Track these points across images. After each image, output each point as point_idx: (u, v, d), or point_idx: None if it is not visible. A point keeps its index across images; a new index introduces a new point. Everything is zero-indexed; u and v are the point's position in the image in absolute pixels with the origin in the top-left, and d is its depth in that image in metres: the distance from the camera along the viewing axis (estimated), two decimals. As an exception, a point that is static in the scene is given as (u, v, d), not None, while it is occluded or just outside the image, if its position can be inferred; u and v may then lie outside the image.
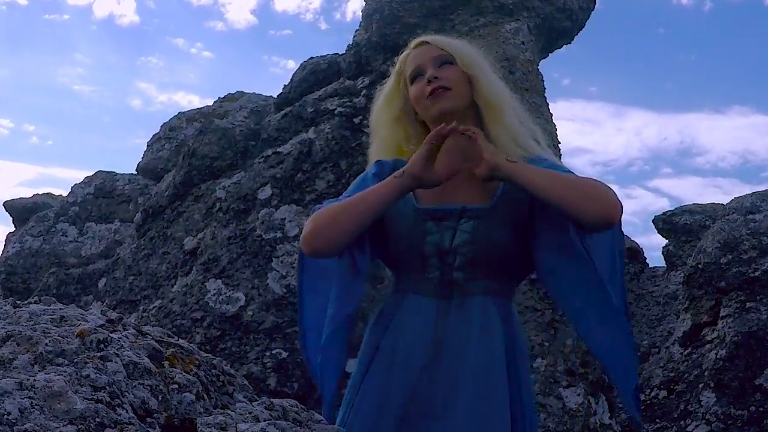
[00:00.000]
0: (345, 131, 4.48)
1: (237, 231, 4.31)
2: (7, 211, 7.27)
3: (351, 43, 4.95)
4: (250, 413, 1.07)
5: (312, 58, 5.21)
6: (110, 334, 1.07)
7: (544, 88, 4.75)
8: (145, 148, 6.91)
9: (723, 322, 4.25)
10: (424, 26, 4.55)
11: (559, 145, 4.67)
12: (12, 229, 7.19)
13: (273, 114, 5.07)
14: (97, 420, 0.90)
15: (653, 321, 5.58)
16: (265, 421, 1.05)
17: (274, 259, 4.17)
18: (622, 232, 1.83)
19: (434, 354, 1.72)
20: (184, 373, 1.09)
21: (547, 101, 4.76)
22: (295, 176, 4.37)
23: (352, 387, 1.81)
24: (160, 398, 1.01)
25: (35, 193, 7.57)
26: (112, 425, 0.91)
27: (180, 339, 1.22)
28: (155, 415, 0.99)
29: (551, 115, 4.73)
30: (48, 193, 7.60)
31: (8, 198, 7.46)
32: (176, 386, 1.05)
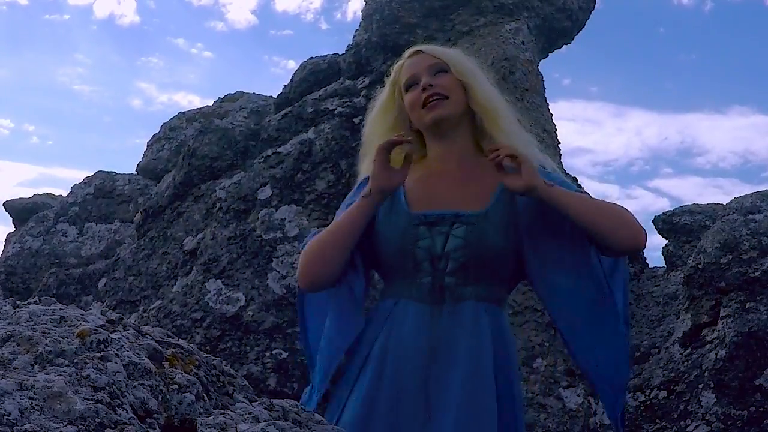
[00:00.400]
0: (345, 131, 4.48)
1: (237, 231, 4.31)
2: (7, 211, 7.27)
3: (351, 43, 4.96)
4: (250, 413, 1.07)
5: (312, 58, 5.21)
6: (110, 335, 1.07)
7: (544, 88, 4.76)
8: (145, 148, 6.91)
9: (723, 323, 4.25)
10: (424, 26, 4.55)
11: (559, 145, 4.67)
12: (12, 229, 7.18)
13: (273, 114, 5.07)
14: (97, 420, 0.90)
15: (653, 321, 5.58)
16: (265, 421, 1.05)
17: (274, 259, 4.17)
18: (626, 259, 1.84)
19: (428, 359, 1.72)
20: (184, 374, 1.09)
21: (547, 101, 4.76)
22: (295, 176, 4.37)
23: (344, 389, 1.80)
24: (160, 398, 1.01)
25: (35, 193, 7.58)
26: (112, 425, 0.91)
27: (180, 339, 1.22)
28: (155, 415, 0.99)
29: (551, 115, 4.73)
30: (48, 193, 7.60)
31: (8, 198, 7.46)
32: (176, 386, 1.05)
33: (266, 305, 4.04)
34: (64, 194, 6.98)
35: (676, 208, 6.45)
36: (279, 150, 4.55)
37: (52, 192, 7.64)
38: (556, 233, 1.78)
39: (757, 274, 4.19)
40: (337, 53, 5.14)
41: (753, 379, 4.05)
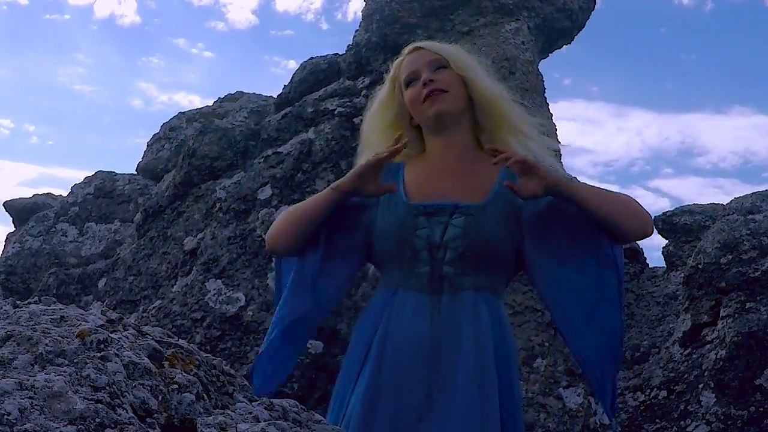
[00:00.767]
0: (345, 131, 4.48)
1: (237, 231, 4.31)
2: (7, 211, 7.26)
3: (351, 43, 4.95)
4: (250, 413, 1.07)
5: (312, 58, 5.21)
6: (110, 334, 1.07)
7: (544, 88, 4.76)
8: (145, 148, 6.91)
9: (723, 323, 4.25)
10: (424, 26, 4.55)
11: (559, 145, 4.67)
12: (12, 229, 7.18)
13: (273, 114, 5.07)
14: (97, 420, 0.90)
15: (653, 321, 5.57)
16: (265, 421, 1.05)
17: (274, 259, 4.17)
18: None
19: (433, 348, 1.73)
20: (184, 373, 1.09)
21: (548, 101, 4.76)
22: (295, 176, 4.37)
23: (346, 383, 1.81)
24: (160, 398, 1.01)
25: (35, 193, 7.58)
26: (112, 425, 0.91)
27: (180, 339, 1.22)
28: (155, 415, 0.99)
29: (551, 115, 4.73)
30: (48, 193, 7.60)
31: (8, 198, 7.46)
32: (176, 386, 1.05)
33: (266, 305, 4.04)
34: (64, 194, 6.98)
35: (676, 208, 6.45)
36: (279, 150, 4.55)
37: (52, 192, 7.64)
38: (562, 226, 1.79)
39: (757, 274, 4.19)
40: (337, 53, 5.14)
41: (753, 379, 4.05)
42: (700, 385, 4.21)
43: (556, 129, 4.78)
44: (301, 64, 5.21)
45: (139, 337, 1.13)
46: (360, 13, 4.96)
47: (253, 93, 6.45)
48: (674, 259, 6.13)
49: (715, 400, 4.11)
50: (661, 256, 6.33)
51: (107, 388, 0.95)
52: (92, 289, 5.24)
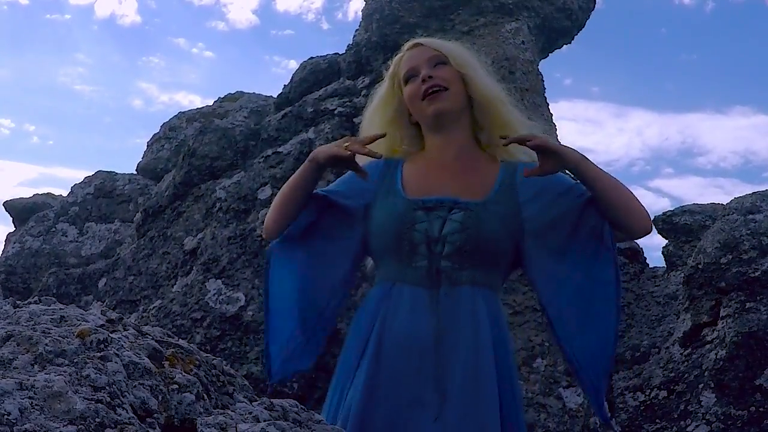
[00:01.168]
0: (345, 131, 4.47)
1: (237, 231, 4.31)
2: (7, 211, 7.27)
3: (351, 42, 4.95)
4: (250, 413, 1.07)
5: (312, 58, 5.21)
6: (110, 334, 1.07)
7: (544, 88, 4.75)
8: (145, 148, 6.91)
9: (723, 323, 4.25)
10: (424, 26, 4.55)
11: (559, 145, 4.67)
12: (12, 229, 7.18)
13: (273, 114, 5.07)
14: (97, 420, 0.90)
15: (653, 321, 5.57)
16: (265, 421, 1.05)
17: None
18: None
19: (433, 343, 1.73)
20: (184, 373, 1.09)
21: (547, 101, 4.76)
22: (295, 176, 4.37)
23: (344, 375, 1.80)
24: (160, 398, 1.01)
25: (35, 192, 7.58)
26: (112, 425, 0.91)
27: (180, 339, 1.22)
28: (155, 415, 0.99)
29: (551, 115, 4.73)
30: (48, 193, 7.60)
31: (9, 198, 7.46)
32: (176, 386, 1.05)
33: (266, 305, 4.04)
34: (65, 194, 6.99)
35: (676, 208, 6.45)
36: (279, 150, 4.55)
37: (53, 192, 7.64)
38: (562, 225, 1.80)
39: (757, 274, 4.19)
40: (337, 53, 5.14)
41: (753, 379, 4.05)
42: (700, 385, 4.21)
43: (556, 129, 4.78)
44: (301, 64, 5.21)
45: (139, 337, 1.13)
46: (360, 13, 4.96)
47: (253, 93, 6.46)
48: (674, 259, 6.13)
49: (715, 400, 4.11)
50: (661, 256, 6.33)
51: (107, 388, 0.95)
52: (92, 289, 5.24)
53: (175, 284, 4.43)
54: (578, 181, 1.83)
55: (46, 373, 0.95)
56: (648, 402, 4.44)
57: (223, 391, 1.16)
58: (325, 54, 5.21)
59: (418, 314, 1.75)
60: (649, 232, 1.83)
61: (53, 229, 6.46)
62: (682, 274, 4.89)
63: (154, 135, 6.89)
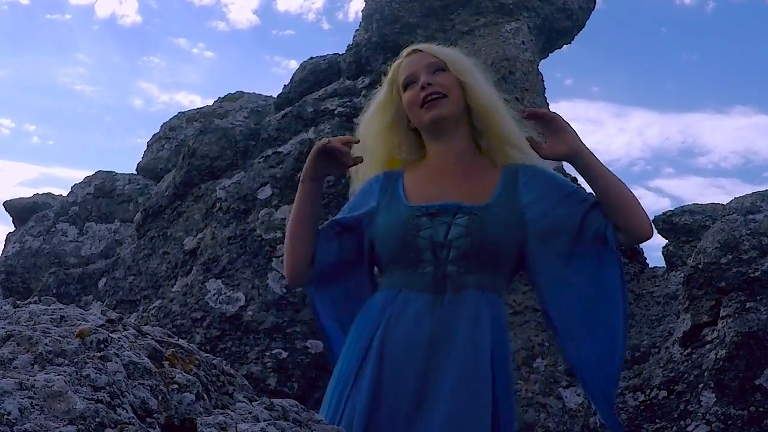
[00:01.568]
0: (345, 131, 4.48)
1: (237, 231, 4.31)
2: (7, 211, 7.27)
3: (351, 43, 4.95)
4: (250, 413, 1.07)
5: (312, 58, 5.21)
6: (110, 334, 1.07)
7: (545, 88, 4.76)
8: (145, 148, 6.91)
9: (723, 322, 4.25)
10: (424, 26, 4.55)
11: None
12: (12, 229, 7.18)
13: (273, 114, 5.07)
14: (97, 420, 0.90)
15: (653, 321, 5.57)
16: (265, 421, 1.05)
17: (274, 259, 4.17)
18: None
19: (429, 347, 1.73)
20: (184, 373, 1.09)
21: (547, 101, 4.76)
22: (295, 176, 4.37)
23: (344, 379, 1.80)
24: (160, 398, 1.01)
25: (35, 192, 7.58)
26: (112, 425, 0.91)
27: (180, 339, 1.22)
28: (155, 415, 0.99)
29: (551, 115, 4.73)
30: (48, 193, 7.61)
31: (9, 198, 7.46)
32: (176, 386, 1.05)
33: (266, 305, 4.04)
34: (65, 194, 6.99)
35: (676, 208, 6.45)
36: (279, 150, 4.55)
37: (53, 192, 7.64)
38: (565, 228, 1.80)
39: (757, 274, 4.19)
40: (337, 53, 5.14)
41: (753, 379, 4.05)
42: (700, 385, 4.21)
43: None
44: (301, 64, 5.21)
45: (139, 337, 1.13)
46: (361, 14, 4.96)
47: (253, 93, 6.46)
48: (674, 259, 6.13)
49: (715, 400, 4.11)
50: (661, 256, 6.33)
51: (107, 388, 0.95)
52: (92, 289, 5.24)
53: (175, 284, 4.43)
54: (580, 186, 1.84)
55: (46, 373, 0.95)
56: (648, 402, 4.44)
57: (223, 391, 1.16)
58: (325, 54, 5.22)
59: (421, 320, 1.76)
60: (650, 237, 1.82)
61: (53, 229, 6.46)
62: (682, 274, 4.89)
63: (154, 135, 6.89)
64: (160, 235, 4.79)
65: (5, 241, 6.84)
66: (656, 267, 6.40)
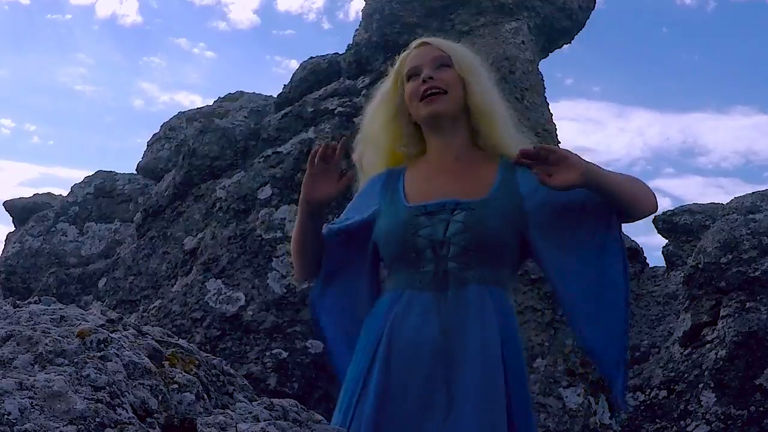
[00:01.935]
0: (345, 131, 4.47)
1: (237, 231, 4.31)
2: (7, 211, 7.27)
3: (351, 42, 4.95)
4: (250, 413, 1.07)
5: (312, 57, 5.21)
6: (110, 334, 1.07)
7: (545, 88, 4.75)
8: (145, 148, 6.91)
9: (723, 322, 4.25)
10: (424, 26, 4.55)
11: (559, 144, 4.67)
12: (12, 229, 7.18)
13: (273, 114, 5.07)
14: (97, 420, 0.90)
15: (653, 321, 5.57)
16: (265, 421, 1.05)
17: (274, 259, 4.17)
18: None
19: (441, 345, 1.73)
20: (184, 373, 1.09)
21: (547, 101, 4.76)
22: (295, 176, 4.37)
23: (354, 380, 1.81)
24: (160, 398, 1.01)
25: (36, 192, 7.58)
26: (112, 425, 0.91)
27: (180, 339, 1.22)
28: (155, 415, 0.99)
29: (551, 115, 4.73)
30: (48, 193, 7.60)
31: (9, 198, 7.46)
32: (176, 386, 1.05)
33: (266, 305, 4.04)
34: (65, 194, 6.98)
35: (676, 208, 6.45)
36: (279, 150, 4.55)
37: (53, 192, 7.64)
38: (566, 216, 1.80)
39: (757, 273, 4.19)
40: (337, 53, 5.13)
41: (753, 379, 4.05)
42: (700, 385, 4.21)
43: (556, 129, 4.77)
44: (301, 64, 5.21)
45: (139, 337, 1.13)
46: (361, 13, 4.96)
47: (253, 92, 6.45)
48: (674, 259, 6.13)
49: (715, 399, 4.11)
50: (661, 256, 6.33)
51: (107, 388, 0.95)
52: (92, 289, 5.24)
53: (175, 284, 4.43)
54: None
55: (46, 373, 0.95)
56: (648, 402, 4.44)
57: (223, 391, 1.16)
58: (325, 54, 5.21)
59: (426, 319, 1.76)
60: (655, 211, 1.86)
61: (53, 229, 6.46)
62: (682, 274, 4.89)
63: (154, 135, 6.89)
64: (160, 235, 4.79)
65: (5, 241, 6.84)
66: (656, 267, 6.40)
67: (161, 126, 6.89)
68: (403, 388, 1.73)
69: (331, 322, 1.98)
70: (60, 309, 1.16)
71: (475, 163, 1.89)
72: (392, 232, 1.84)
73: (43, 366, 0.99)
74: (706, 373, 4.22)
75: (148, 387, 1.01)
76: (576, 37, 5.12)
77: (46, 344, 1.01)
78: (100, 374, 0.98)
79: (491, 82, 1.95)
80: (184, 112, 6.90)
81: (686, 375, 4.34)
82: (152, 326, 1.23)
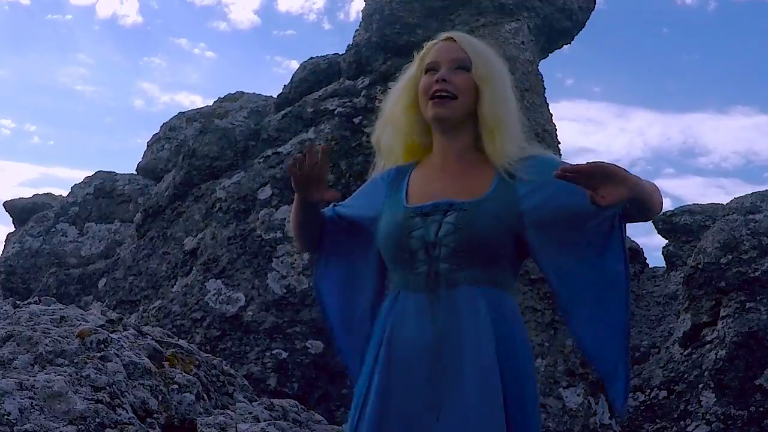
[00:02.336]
0: (345, 131, 4.47)
1: (237, 231, 4.31)
2: (7, 211, 7.27)
3: (351, 43, 4.95)
4: (250, 413, 1.07)
5: (312, 58, 5.20)
6: (110, 335, 1.07)
7: (544, 88, 4.75)
8: (146, 148, 6.91)
9: (723, 323, 4.26)
10: (425, 26, 4.55)
11: (559, 145, 4.67)
12: (12, 229, 7.19)
13: (273, 114, 5.07)
14: (97, 420, 0.90)
15: (653, 321, 5.58)
16: (265, 421, 1.05)
17: (274, 259, 4.17)
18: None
19: (436, 347, 1.73)
20: (184, 374, 1.09)
21: (547, 101, 4.76)
22: (295, 176, 4.37)
23: (361, 384, 1.82)
24: (160, 398, 1.01)
25: (36, 193, 7.58)
26: (112, 425, 0.91)
27: (180, 339, 1.22)
28: (155, 415, 0.99)
29: (551, 115, 4.73)
30: (48, 193, 7.61)
31: (9, 198, 7.46)
32: (176, 386, 1.05)
33: (266, 305, 4.04)
34: (65, 194, 6.98)
35: (676, 208, 6.45)
36: (279, 150, 4.55)
37: (53, 192, 7.64)
38: (564, 216, 1.80)
39: (757, 274, 4.19)
40: (337, 53, 5.13)
41: (753, 379, 4.05)
42: (700, 385, 4.21)
43: (555, 129, 4.78)
44: (301, 64, 5.21)
45: (139, 337, 1.13)
46: (361, 13, 4.96)
47: (253, 93, 6.45)
48: (674, 259, 6.13)
49: (715, 400, 4.11)
50: (661, 256, 6.33)
51: (107, 388, 0.95)
52: (92, 289, 5.24)
53: (175, 284, 4.43)
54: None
55: (46, 373, 0.95)
56: (648, 402, 4.44)
57: (223, 391, 1.16)
58: (325, 54, 5.21)
59: (420, 320, 1.77)
60: (660, 212, 1.89)
61: (53, 229, 6.46)
62: (682, 274, 4.90)
63: (154, 135, 6.89)
64: (160, 235, 4.79)
65: (5, 241, 6.85)
66: (656, 267, 6.40)
67: (161, 126, 6.89)
68: (404, 388, 1.73)
69: (333, 299, 2.00)
70: (60, 309, 1.16)
71: (476, 165, 1.89)
72: (389, 233, 1.85)
73: (43, 366, 0.99)
74: (706, 373, 4.22)
75: (148, 387, 1.01)
76: (576, 37, 5.12)
77: (46, 344, 1.01)
78: (100, 374, 0.98)
79: (508, 91, 1.94)
80: (184, 113, 6.91)
81: (686, 375, 4.34)
82: (152, 326, 1.23)
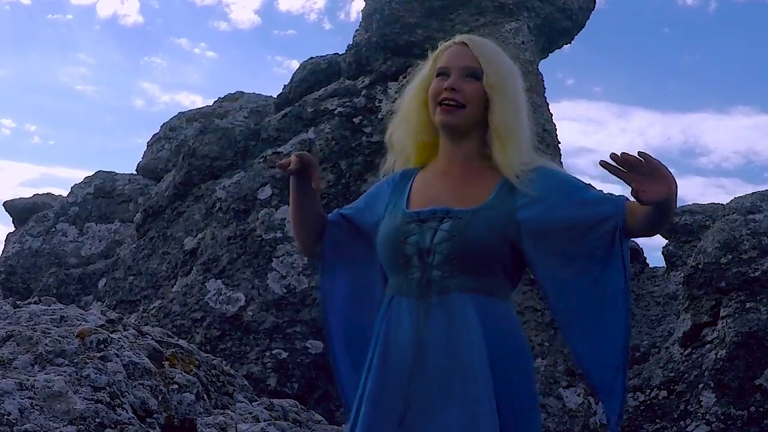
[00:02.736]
0: (345, 131, 4.48)
1: (237, 231, 4.31)
2: (7, 211, 7.27)
3: (351, 43, 4.95)
4: (250, 413, 1.07)
5: (312, 58, 5.20)
6: (110, 335, 1.07)
7: (545, 88, 4.76)
8: (146, 148, 6.91)
9: (723, 322, 4.26)
10: (425, 26, 4.55)
11: (559, 145, 4.67)
12: (12, 229, 7.19)
13: (273, 114, 5.07)
14: (97, 420, 0.90)
15: (653, 321, 5.57)
16: (265, 421, 1.05)
17: (274, 259, 4.17)
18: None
19: (418, 353, 1.73)
20: (184, 374, 1.09)
21: (547, 101, 4.76)
22: (295, 176, 4.37)
23: (360, 388, 1.83)
24: (160, 398, 1.01)
25: (36, 193, 7.58)
26: (112, 425, 0.91)
27: (180, 339, 1.22)
28: (155, 415, 0.99)
29: (551, 115, 4.73)
30: (48, 193, 7.61)
31: (9, 198, 7.46)
32: (176, 386, 1.05)
33: (266, 305, 4.04)
34: (65, 194, 6.98)
35: (676, 209, 6.44)
36: (279, 150, 4.55)
37: (53, 192, 7.64)
38: (563, 228, 1.78)
39: (757, 274, 4.19)
40: (337, 53, 5.13)
41: (753, 379, 4.05)
42: (700, 385, 4.21)
43: (556, 129, 4.78)
44: (301, 64, 5.21)
45: (139, 337, 1.13)
46: (361, 13, 4.96)
47: (253, 93, 6.45)
48: (674, 259, 6.13)
49: (715, 400, 4.11)
50: (661, 256, 6.33)
51: (107, 388, 0.95)
52: (92, 289, 5.24)
53: (175, 284, 4.43)
54: (589, 184, 1.81)
55: (46, 373, 0.95)
56: (648, 402, 4.44)
57: (223, 391, 1.16)
58: (326, 54, 5.21)
59: (412, 325, 1.77)
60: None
61: (53, 229, 6.46)
62: (682, 274, 4.90)
63: (154, 135, 6.89)
64: (160, 235, 4.79)
65: (5, 241, 6.85)
66: (656, 267, 6.39)
67: (161, 126, 6.89)
68: (394, 391, 1.74)
69: (336, 305, 2.00)
70: (60, 309, 1.16)
71: (481, 171, 1.88)
72: (386, 237, 1.86)
73: (43, 366, 0.99)
74: (706, 373, 4.22)
75: (148, 387, 1.01)
76: (576, 37, 5.12)
77: (46, 344, 1.01)
78: (100, 374, 0.98)
79: (519, 99, 1.92)
80: (184, 113, 6.90)
81: (686, 375, 4.34)
82: (152, 326, 1.23)
